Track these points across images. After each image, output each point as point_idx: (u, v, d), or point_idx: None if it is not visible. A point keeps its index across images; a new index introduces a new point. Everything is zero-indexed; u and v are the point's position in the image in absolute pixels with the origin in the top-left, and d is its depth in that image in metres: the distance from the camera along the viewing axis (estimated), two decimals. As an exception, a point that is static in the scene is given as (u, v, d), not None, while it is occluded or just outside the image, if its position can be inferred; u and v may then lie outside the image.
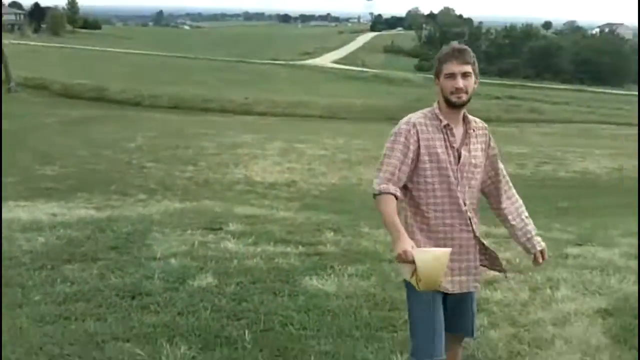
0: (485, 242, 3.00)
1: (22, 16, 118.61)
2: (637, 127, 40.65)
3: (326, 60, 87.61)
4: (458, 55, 2.80)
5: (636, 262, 6.03)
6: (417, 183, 2.84)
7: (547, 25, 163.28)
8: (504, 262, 5.80)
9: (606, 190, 17.06)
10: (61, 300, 4.67)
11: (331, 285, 5.03)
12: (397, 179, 2.78)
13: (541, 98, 54.69)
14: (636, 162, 21.96)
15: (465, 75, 2.79)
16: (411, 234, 2.76)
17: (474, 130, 2.90)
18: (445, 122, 2.83)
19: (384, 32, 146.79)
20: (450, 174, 2.82)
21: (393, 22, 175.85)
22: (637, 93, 66.74)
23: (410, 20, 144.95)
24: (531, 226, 3.10)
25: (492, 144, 2.99)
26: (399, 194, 2.76)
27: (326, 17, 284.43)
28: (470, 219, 2.88)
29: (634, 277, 5.38)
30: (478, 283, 3.02)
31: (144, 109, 40.52)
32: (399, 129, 2.84)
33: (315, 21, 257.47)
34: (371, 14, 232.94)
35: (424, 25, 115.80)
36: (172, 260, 5.64)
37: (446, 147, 2.83)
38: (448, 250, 2.68)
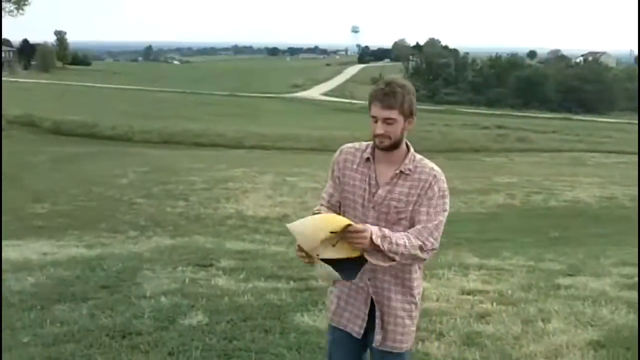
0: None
1: (11, 53, 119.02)
2: (626, 155, 41.07)
3: (316, 92, 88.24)
4: (382, 99, 2.64)
5: (628, 292, 6.04)
6: (342, 212, 2.84)
7: (532, 54, 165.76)
8: (492, 293, 5.84)
9: (597, 219, 17.10)
10: (50, 342, 4.62)
11: (323, 321, 5.00)
12: (332, 204, 2.85)
13: (529, 127, 55.08)
14: (626, 190, 22.11)
15: (387, 121, 2.64)
16: None
17: (407, 174, 2.71)
18: (367, 155, 2.78)
19: (371, 64, 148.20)
20: (359, 208, 2.75)
21: (380, 54, 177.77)
22: (624, 121, 67.69)
23: (397, 52, 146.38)
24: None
25: (429, 192, 2.69)
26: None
27: (314, 50, 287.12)
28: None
29: (626, 308, 5.39)
30: (361, 330, 2.83)
31: (134, 144, 40.50)
32: (333, 157, 2.91)
33: (304, 54, 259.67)
34: (358, 46, 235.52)
35: (410, 57, 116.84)
36: (163, 299, 5.60)
37: (364, 182, 2.76)
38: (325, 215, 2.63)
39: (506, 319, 5.14)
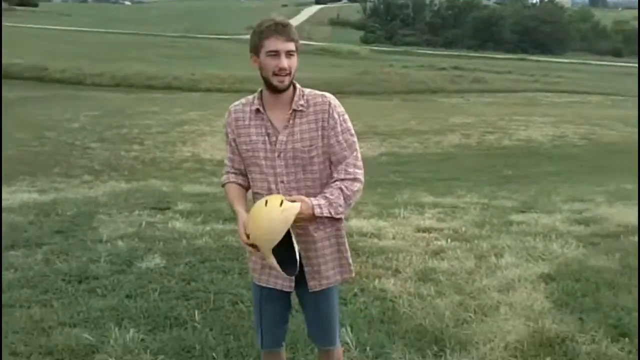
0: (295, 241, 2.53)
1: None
2: (578, 95, 41.77)
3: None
4: (282, 31, 2.50)
5: (578, 227, 6.22)
6: (247, 172, 2.73)
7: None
8: (447, 230, 5.95)
9: (549, 157, 17.48)
10: (5, 288, 4.56)
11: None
12: (236, 169, 2.75)
13: (485, 68, 55.35)
14: (577, 129, 22.60)
15: (289, 53, 2.51)
16: None
17: (301, 110, 2.59)
18: (255, 106, 2.64)
19: (329, 5, 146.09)
20: (263, 162, 2.61)
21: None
22: (578, 61, 68.62)
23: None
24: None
25: (331, 121, 2.58)
26: (240, 180, 2.73)
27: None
28: None
29: (575, 242, 5.55)
30: (292, 283, 2.71)
31: (85, 87, 39.51)
32: (224, 120, 2.79)
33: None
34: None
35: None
36: (119, 243, 5.57)
37: (261, 135, 2.61)
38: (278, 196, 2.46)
39: (460, 255, 5.25)
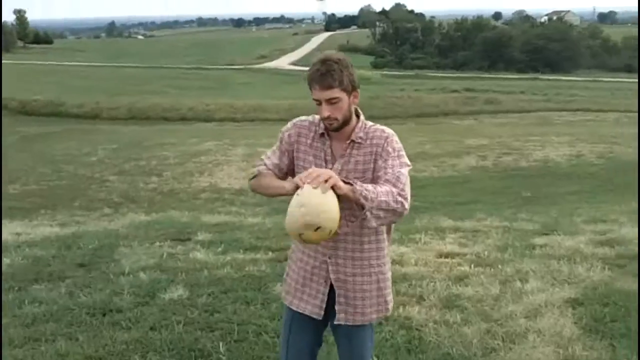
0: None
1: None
2: (592, 113, 41.59)
3: (283, 62, 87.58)
4: (320, 80, 2.52)
5: (602, 249, 6.14)
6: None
7: (497, 15, 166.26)
8: (469, 255, 5.90)
9: (567, 177, 17.37)
10: (30, 322, 4.57)
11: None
12: (272, 169, 2.76)
13: (497, 89, 55.38)
14: (593, 148, 22.44)
15: (330, 101, 2.54)
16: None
17: (359, 142, 2.63)
18: (321, 130, 2.68)
19: (338, 32, 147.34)
20: None
21: (346, 21, 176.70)
22: (589, 79, 68.41)
23: (364, 18, 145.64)
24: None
25: (384, 154, 2.61)
26: (277, 172, 2.75)
27: (280, 19, 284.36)
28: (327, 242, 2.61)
29: (601, 265, 5.48)
30: (321, 311, 2.71)
31: (102, 121, 39.97)
32: (284, 128, 2.80)
33: (270, 24, 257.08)
34: (324, 13, 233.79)
35: (377, 23, 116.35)
36: (142, 274, 5.57)
37: (319, 159, 2.67)
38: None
39: (484, 280, 5.19)
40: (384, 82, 63.75)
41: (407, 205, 2.51)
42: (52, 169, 18.89)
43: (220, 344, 4.04)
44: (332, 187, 2.40)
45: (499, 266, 5.58)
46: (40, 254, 6.52)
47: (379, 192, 2.45)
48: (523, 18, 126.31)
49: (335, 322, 2.73)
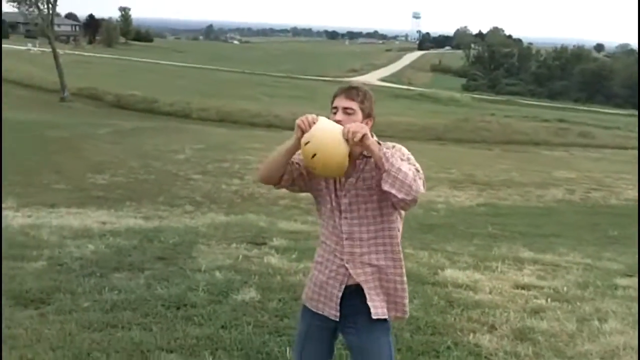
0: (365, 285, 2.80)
1: (77, 27, 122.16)
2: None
3: (373, 77, 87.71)
4: (346, 91, 2.74)
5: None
6: (315, 203, 2.95)
7: (599, 47, 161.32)
8: (547, 289, 5.72)
9: (658, 219, 16.57)
10: (109, 308, 4.76)
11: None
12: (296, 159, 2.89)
13: (592, 122, 53.61)
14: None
15: (346, 110, 2.71)
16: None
17: (369, 157, 2.70)
18: None
19: (431, 51, 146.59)
20: (332, 196, 2.82)
21: (441, 41, 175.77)
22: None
23: (459, 40, 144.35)
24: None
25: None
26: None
27: (373, 35, 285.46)
28: (343, 247, 2.80)
29: (687, 312, 5.22)
30: (337, 312, 2.83)
31: (192, 121, 41.09)
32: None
33: (363, 38, 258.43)
34: (419, 32, 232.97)
35: (472, 45, 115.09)
36: (217, 273, 5.70)
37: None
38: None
39: (561, 315, 5.04)
40: (474, 106, 62.86)
41: (422, 189, 2.58)
42: (140, 164, 19.54)
43: (287, 350, 4.08)
44: (362, 138, 2.55)
45: (578, 303, 5.40)
46: (122, 244, 6.78)
47: (402, 163, 2.58)
48: (627, 52, 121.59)
49: (373, 316, 2.79)
